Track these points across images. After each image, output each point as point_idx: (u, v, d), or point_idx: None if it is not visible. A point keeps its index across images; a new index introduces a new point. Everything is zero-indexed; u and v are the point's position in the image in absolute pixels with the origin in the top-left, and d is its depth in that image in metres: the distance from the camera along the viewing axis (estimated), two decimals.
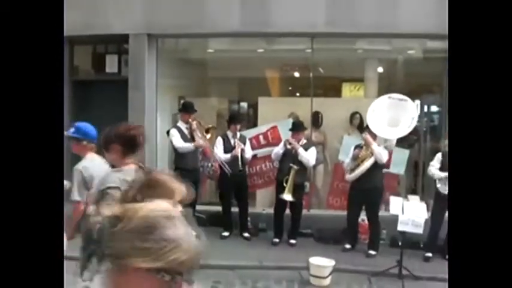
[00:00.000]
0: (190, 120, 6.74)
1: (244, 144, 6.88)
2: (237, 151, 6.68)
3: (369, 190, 6.25)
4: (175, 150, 6.73)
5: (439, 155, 6.22)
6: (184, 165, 6.61)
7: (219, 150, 6.80)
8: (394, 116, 6.24)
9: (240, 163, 6.70)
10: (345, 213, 6.61)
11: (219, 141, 6.86)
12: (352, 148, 6.53)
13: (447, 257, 6.02)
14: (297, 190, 6.51)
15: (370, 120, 6.24)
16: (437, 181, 6.14)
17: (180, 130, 6.68)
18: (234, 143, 6.77)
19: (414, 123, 6.40)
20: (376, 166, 6.28)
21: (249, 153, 6.92)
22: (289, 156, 6.55)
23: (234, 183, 6.81)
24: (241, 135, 6.93)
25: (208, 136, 6.96)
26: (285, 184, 6.42)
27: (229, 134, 6.86)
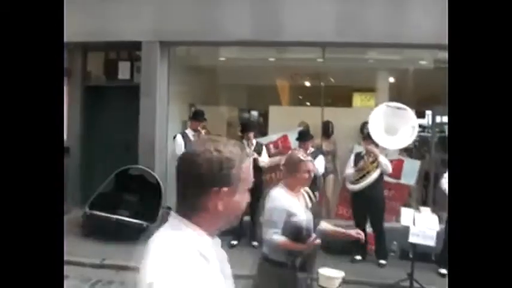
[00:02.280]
0: (199, 128, 6.73)
1: (261, 151, 6.83)
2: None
3: (371, 199, 6.27)
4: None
5: None
6: None
7: None
8: (392, 125, 6.24)
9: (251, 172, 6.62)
10: (354, 223, 6.55)
11: None
12: (353, 157, 6.49)
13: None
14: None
15: (371, 129, 6.23)
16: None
17: (185, 137, 6.67)
18: (249, 151, 6.72)
19: (415, 132, 6.37)
20: (380, 175, 6.29)
21: (265, 161, 6.84)
22: None
23: (249, 191, 6.76)
24: (257, 143, 6.91)
25: None
26: None
27: (245, 142, 6.82)
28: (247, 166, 1.51)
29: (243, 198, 1.51)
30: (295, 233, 3.24)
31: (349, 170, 6.48)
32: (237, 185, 1.46)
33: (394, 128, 6.24)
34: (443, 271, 6.00)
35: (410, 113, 6.37)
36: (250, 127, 6.97)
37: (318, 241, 3.27)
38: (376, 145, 6.25)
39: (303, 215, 3.30)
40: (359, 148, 7.13)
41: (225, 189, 1.43)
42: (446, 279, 5.94)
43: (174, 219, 1.46)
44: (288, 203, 3.30)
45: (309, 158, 3.47)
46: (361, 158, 6.40)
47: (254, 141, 6.84)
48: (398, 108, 6.40)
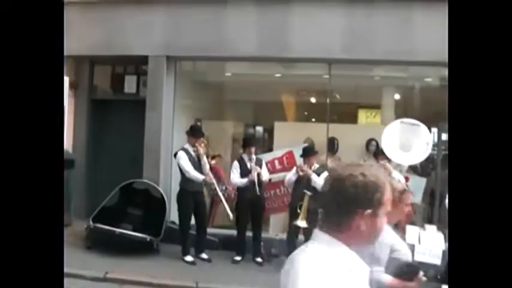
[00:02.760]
0: (197, 144, 6.72)
1: (261, 167, 6.79)
2: (254, 175, 6.61)
3: None
4: (181, 172, 6.68)
5: None
6: (191, 187, 6.59)
7: (235, 175, 6.75)
8: (406, 141, 6.21)
9: (257, 188, 6.61)
10: None
11: (236, 165, 6.79)
12: None
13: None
14: (311, 216, 6.42)
15: (385, 146, 6.20)
16: None
17: (187, 152, 6.66)
18: (251, 166, 6.71)
19: (429, 148, 6.34)
20: None
21: (265, 176, 6.83)
22: (302, 182, 6.48)
23: (251, 207, 6.75)
24: (257, 158, 6.86)
25: (213, 162, 6.90)
26: (299, 211, 6.33)
27: (245, 157, 6.81)
28: (389, 190, 1.58)
29: (383, 220, 1.57)
30: (404, 271, 2.88)
31: None
32: (379, 208, 1.54)
33: (409, 144, 6.20)
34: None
35: (424, 129, 6.36)
36: (252, 142, 6.95)
37: (423, 277, 2.91)
38: (389, 161, 6.23)
39: (408, 250, 3.01)
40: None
41: (369, 211, 1.51)
42: None
43: (322, 235, 1.56)
44: (392, 237, 2.91)
45: (411, 189, 3.22)
46: None
47: (254, 157, 6.79)
48: (413, 124, 6.38)
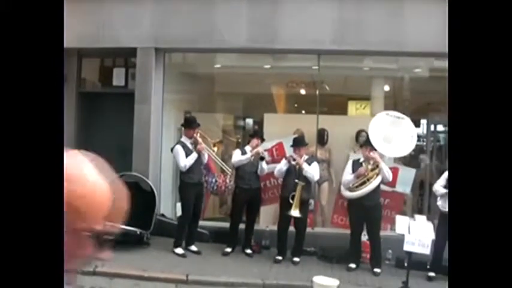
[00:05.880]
0: (194, 135, 6.70)
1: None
2: (253, 151, 6.62)
3: (370, 207, 6.22)
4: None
5: (446, 174, 6.15)
6: (189, 179, 6.57)
7: (236, 155, 6.75)
8: (390, 133, 6.28)
9: (257, 164, 6.65)
10: (349, 231, 6.52)
11: (237, 151, 6.85)
12: (351, 163, 6.46)
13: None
14: (303, 206, 6.45)
15: (373, 137, 6.24)
16: (438, 198, 6.07)
17: (184, 146, 6.63)
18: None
19: (414, 141, 6.42)
20: (378, 183, 6.26)
21: (265, 167, 6.84)
22: (293, 172, 6.50)
23: (248, 198, 6.77)
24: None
25: (215, 149, 6.91)
26: (291, 201, 6.35)
27: (248, 148, 6.80)
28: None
29: None
30: None
31: (348, 176, 6.42)
32: None
33: (393, 136, 6.26)
34: (432, 274, 6.00)
35: (409, 122, 6.42)
36: (260, 135, 7.01)
37: None
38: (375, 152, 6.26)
39: None
40: (354, 156, 7.13)
41: None
42: (435, 283, 5.92)
43: None
44: None
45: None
46: (360, 165, 6.37)
47: (261, 149, 6.80)
48: (398, 117, 6.44)
